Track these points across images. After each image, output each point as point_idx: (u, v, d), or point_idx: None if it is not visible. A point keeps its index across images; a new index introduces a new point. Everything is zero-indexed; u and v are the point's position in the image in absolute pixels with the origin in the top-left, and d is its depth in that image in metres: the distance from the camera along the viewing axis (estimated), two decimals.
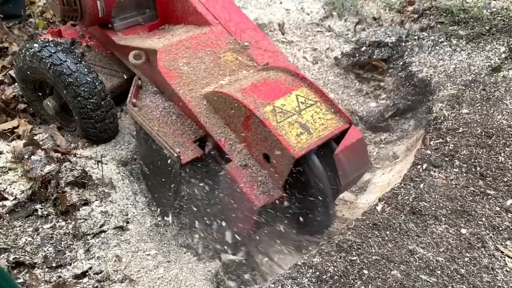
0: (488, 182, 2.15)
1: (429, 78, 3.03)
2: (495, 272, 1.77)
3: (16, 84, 2.85)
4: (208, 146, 2.01)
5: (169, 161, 1.96)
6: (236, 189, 1.83)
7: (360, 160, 2.19)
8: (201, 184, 2.02)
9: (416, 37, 3.46)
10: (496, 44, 3.15)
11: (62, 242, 1.91)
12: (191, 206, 2.11)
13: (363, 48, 3.52)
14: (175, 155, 1.89)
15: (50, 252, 1.86)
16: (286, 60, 2.41)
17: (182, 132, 2.04)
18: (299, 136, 1.74)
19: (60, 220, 1.98)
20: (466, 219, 1.97)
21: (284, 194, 1.85)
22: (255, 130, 1.80)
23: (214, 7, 2.40)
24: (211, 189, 2.00)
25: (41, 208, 1.99)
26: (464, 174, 2.21)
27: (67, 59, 2.32)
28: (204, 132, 2.00)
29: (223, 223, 2.01)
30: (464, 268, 1.77)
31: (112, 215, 2.07)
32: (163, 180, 2.10)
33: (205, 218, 2.09)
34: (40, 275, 1.79)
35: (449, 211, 2.00)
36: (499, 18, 3.38)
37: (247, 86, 1.92)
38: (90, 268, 1.86)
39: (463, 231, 1.92)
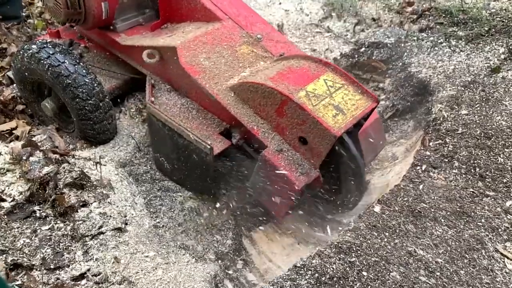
0: (488, 183, 2.15)
1: (428, 79, 3.03)
2: (494, 273, 1.76)
3: (14, 85, 2.85)
4: (235, 137, 2.10)
5: (201, 154, 2.05)
6: (274, 173, 1.93)
7: (379, 138, 2.29)
8: (234, 172, 2.16)
9: (415, 38, 3.46)
10: (495, 45, 3.14)
11: (61, 244, 1.90)
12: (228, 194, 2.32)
13: (362, 49, 3.52)
14: (208, 147, 1.98)
15: (48, 254, 1.86)
16: (298, 50, 2.48)
17: (206, 126, 2.15)
18: (335, 117, 1.86)
19: (58, 222, 1.97)
20: (465, 220, 1.97)
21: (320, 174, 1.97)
22: (291, 115, 1.90)
23: (222, 3, 2.47)
24: (245, 176, 2.13)
25: (39, 210, 1.98)
26: (464, 175, 2.21)
27: (66, 60, 2.31)
28: (234, 123, 2.09)
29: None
30: (464, 269, 1.77)
31: (110, 216, 2.06)
32: (194, 173, 2.18)
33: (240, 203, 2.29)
34: (38, 277, 1.79)
35: (448, 212, 1.99)
36: (498, 19, 3.38)
37: (274, 75, 2.01)
38: (89, 269, 1.85)
39: (463, 232, 1.91)
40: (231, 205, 2.37)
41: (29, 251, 1.85)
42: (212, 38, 2.27)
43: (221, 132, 2.13)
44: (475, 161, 2.26)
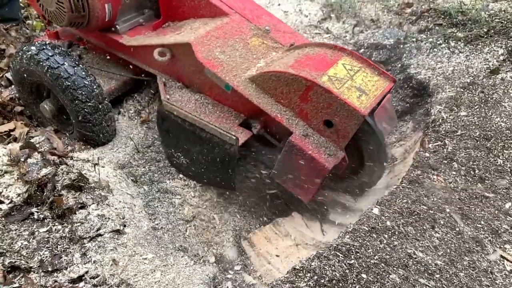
0: (487, 185, 2.14)
1: (427, 80, 3.03)
2: (494, 275, 1.76)
3: (13, 86, 2.84)
4: (255, 127, 2.17)
5: (225, 146, 2.12)
6: (303, 157, 2.01)
7: (391, 117, 2.33)
8: (259, 161, 2.29)
9: (414, 39, 3.46)
10: (494, 46, 3.14)
11: (58, 246, 1.90)
12: (250, 181, 2.40)
13: (361, 50, 3.52)
14: (233, 137, 2.06)
15: (46, 256, 1.85)
16: (306, 39, 2.54)
17: (225, 119, 2.21)
18: (360, 98, 1.94)
19: (56, 224, 1.96)
20: (464, 222, 1.96)
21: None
22: (316, 100, 1.98)
23: None
24: (269, 163, 2.23)
25: (37, 212, 1.97)
26: (463, 177, 2.20)
27: (65, 62, 2.31)
28: (255, 113, 2.16)
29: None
30: (463, 271, 1.76)
31: (109, 218, 2.06)
32: (216, 166, 2.23)
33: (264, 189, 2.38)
34: (36, 279, 1.78)
35: (447, 214, 1.99)
36: (497, 20, 3.37)
37: (293, 63, 2.07)
38: (87, 272, 1.84)
39: (462, 234, 1.91)
40: (250, 196, 2.47)
41: (26, 253, 1.84)
42: (223, 32, 2.31)
43: (240, 123, 2.20)
44: (475, 163, 2.25)
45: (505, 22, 3.32)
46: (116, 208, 2.14)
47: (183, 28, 2.48)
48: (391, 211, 2.01)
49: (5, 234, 1.87)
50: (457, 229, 1.93)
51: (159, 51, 2.27)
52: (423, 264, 1.77)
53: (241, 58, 2.24)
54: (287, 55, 2.22)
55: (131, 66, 2.70)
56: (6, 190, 1.99)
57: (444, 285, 1.69)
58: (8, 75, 2.92)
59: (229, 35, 2.32)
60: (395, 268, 1.74)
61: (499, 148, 2.32)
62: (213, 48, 2.22)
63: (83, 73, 2.33)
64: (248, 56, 2.27)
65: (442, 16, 3.61)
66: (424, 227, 1.93)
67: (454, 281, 1.72)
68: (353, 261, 1.77)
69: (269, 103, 2.11)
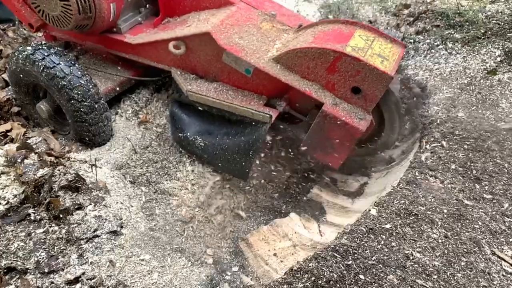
0: (484, 186, 2.15)
1: (425, 81, 3.03)
2: (491, 276, 1.76)
3: (9, 87, 2.83)
4: (280, 105, 2.28)
5: (257, 125, 2.27)
6: (336, 124, 2.17)
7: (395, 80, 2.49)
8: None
9: (411, 40, 3.46)
10: (492, 47, 3.15)
11: (55, 247, 1.89)
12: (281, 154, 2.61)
13: None
14: (267, 115, 2.22)
15: (43, 257, 1.84)
16: (309, 20, 2.66)
17: (249, 101, 2.31)
18: (383, 63, 2.11)
19: (53, 225, 1.95)
20: (462, 223, 1.96)
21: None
22: (344, 69, 2.13)
23: None
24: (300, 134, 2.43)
25: (34, 213, 1.96)
26: (460, 178, 2.20)
27: (61, 62, 2.30)
28: (281, 91, 2.28)
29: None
30: (461, 272, 1.76)
31: (106, 219, 2.05)
32: (242, 146, 2.33)
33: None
34: (32, 280, 1.77)
35: (445, 215, 1.99)
36: (494, 21, 3.38)
37: (313, 40, 2.21)
38: (83, 273, 1.83)
39: (460, 235, 1.91)
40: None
41: (23, 254, 1.83)
42: (235, 20, 2.42)
43: (264, 104, 2.31)
44: (472, 164, 2.25)
45: (502, 23, 3.32)
46: (113, 209, 2.13)
47: (189, 21, 2.53)
48: (388, 212, 2.01)
49: (1, 235, 1.86)
50: (455, 230, 1.93)
51: (174, 44, 2.34)
52: (420, 265, 1.76)
53: (259, 42, 2.35)
54: (301, 34, 2.35)
55: (131, 68, 2.71)
56: (3, 191, 1.98)
57: (441, 286, 1.69)
58: (5, 75, 2.91)
59: (241, 22, 2.43)
60: (392, 269, 1.74)
61: (496, 149, 2.32)
62: (231, 35, 2.32)
63: (79, 72, 2.32)
64: (264, 39, 2.38)
65: (440, 18, 3.61)
66: (422, 228, 1.93)
67: (452, 282, 1.71)
68: (350, 262, 1.76)
69: (296, 79, 2.23)
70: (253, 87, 2.35)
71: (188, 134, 2.47)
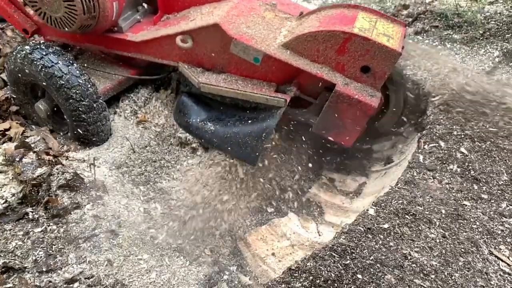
0: (482, 186, 2.15)
1: (423, 82, 3.03)
2: (489, 276, 1.76)
3: (8, 86, 2.83)
4: (291, 90, 2.33)
5: (271, 110, 2.32)
6: (349, 103, 2.23)
7: None
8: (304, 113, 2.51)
9: (410, 41, 3.47)
10: (490, 48, 3.16)
11: (53, 246, 1.89)
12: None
13: None
14: (282, 100, 2.28)
15: (41, 256, 1.84)
16: (308, 8, 2.73)
17: (260, 89, 2.37)
18: (389, 41, 2.18)
19: (51, 224, 1.95)
20: (460, 223, 1.97)
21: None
22: (354, 49, 2.20)
23: None
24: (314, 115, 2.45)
25: (32, 212, 1.96)
26: (458, 178, 2.20)
27: (59, 61, 2.30)
28: (293, 76, 2.33)
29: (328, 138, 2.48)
30: (458, 272, 1.76)
31: (104, 218, 2.05)
32: (259, 129, 2.33)
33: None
34: (30, 279, 1.77)
35: (443, 215, 1.99)
36: (492, 22, 3.39)
37: (320, 24, 2.28)
38: (81, 272, 1.83)
39: (457, 235, 1.91)
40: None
41: (21, 253, 1.83)
42: (239, 11, 2.47)
43: (275, 90, 2.36)
44: (470, 164, 2.26)
45: (501, 24, 3.33)
46: (111, 209, 2.13)
47: (191, 15, 2.56)
48: (386, 211, 2.01)
49: None
50: (452, 230, 1.93)
51: (181, 38, 2.37)
52: (418, 265, 1.77)
53: (265, 30, 2.40)
54: (305, 21, 2.42)
55: (130, 68, 2.71)
56: (1, 190, 1.98)
57: (439, 286, 1.70)
58: (3, 75, 2.91)
59: (246, 13, 2.48)
60: (390, 269, 1.74)
61: (494, 149, 2.33)
62: (239, 25, 2.36)
63: (77, 72, 2.32)
64: (270, 27, 2.43)
65: (438, 18, 3.62)
66: (420, 228, 1.93)
67: (449, 281, 1.72)
68: (348, 261, 1.76)
69: (306, 63, 2.29)
70: (261, 75, 2.40)
71: (198, 119, 2.50)
